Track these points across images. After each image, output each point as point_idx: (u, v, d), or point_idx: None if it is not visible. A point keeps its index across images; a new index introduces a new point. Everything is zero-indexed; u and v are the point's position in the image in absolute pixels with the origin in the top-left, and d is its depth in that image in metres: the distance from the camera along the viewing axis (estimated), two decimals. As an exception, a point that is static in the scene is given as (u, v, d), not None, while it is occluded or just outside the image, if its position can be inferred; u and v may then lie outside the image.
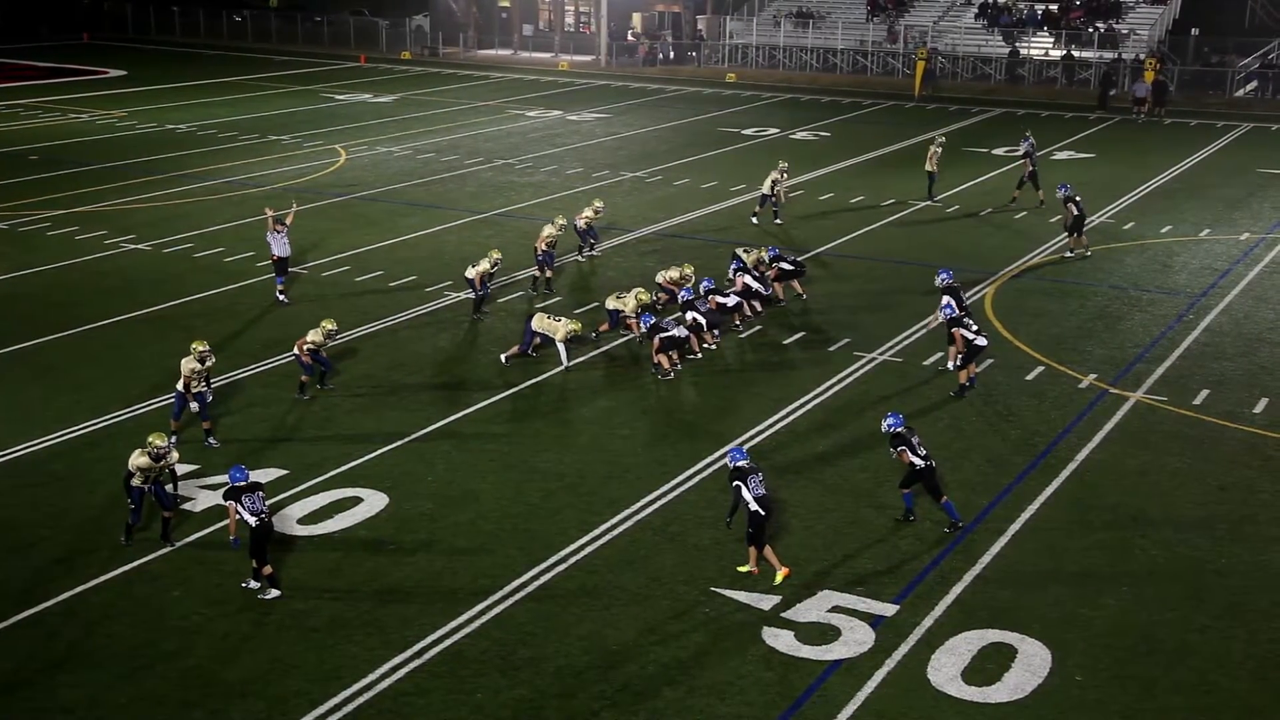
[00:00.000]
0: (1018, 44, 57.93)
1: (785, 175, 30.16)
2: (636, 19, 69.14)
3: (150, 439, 14.51)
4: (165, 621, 13.30)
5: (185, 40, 73.88)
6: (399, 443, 17.65)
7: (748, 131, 44.36)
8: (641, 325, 20.45)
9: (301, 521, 15.33)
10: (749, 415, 18.63)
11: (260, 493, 13.83)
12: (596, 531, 15.11)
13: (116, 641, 12.97)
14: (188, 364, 17.25)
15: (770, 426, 18.27)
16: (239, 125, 44.50)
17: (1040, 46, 58.04)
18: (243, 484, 13.80)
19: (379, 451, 17.36)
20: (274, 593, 13.74)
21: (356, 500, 15.89)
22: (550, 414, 18.94)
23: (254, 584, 13.83)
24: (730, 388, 19.87)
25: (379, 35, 70.25)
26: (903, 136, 43.09)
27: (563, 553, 14.62)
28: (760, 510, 13.91)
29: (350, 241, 28.18)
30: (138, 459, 14.55)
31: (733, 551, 14.64)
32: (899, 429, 15.21)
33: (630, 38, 66.98)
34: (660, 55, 64.39)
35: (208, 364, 17.44)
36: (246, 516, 13.63)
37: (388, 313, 23.37)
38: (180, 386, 17.32)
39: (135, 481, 14.62)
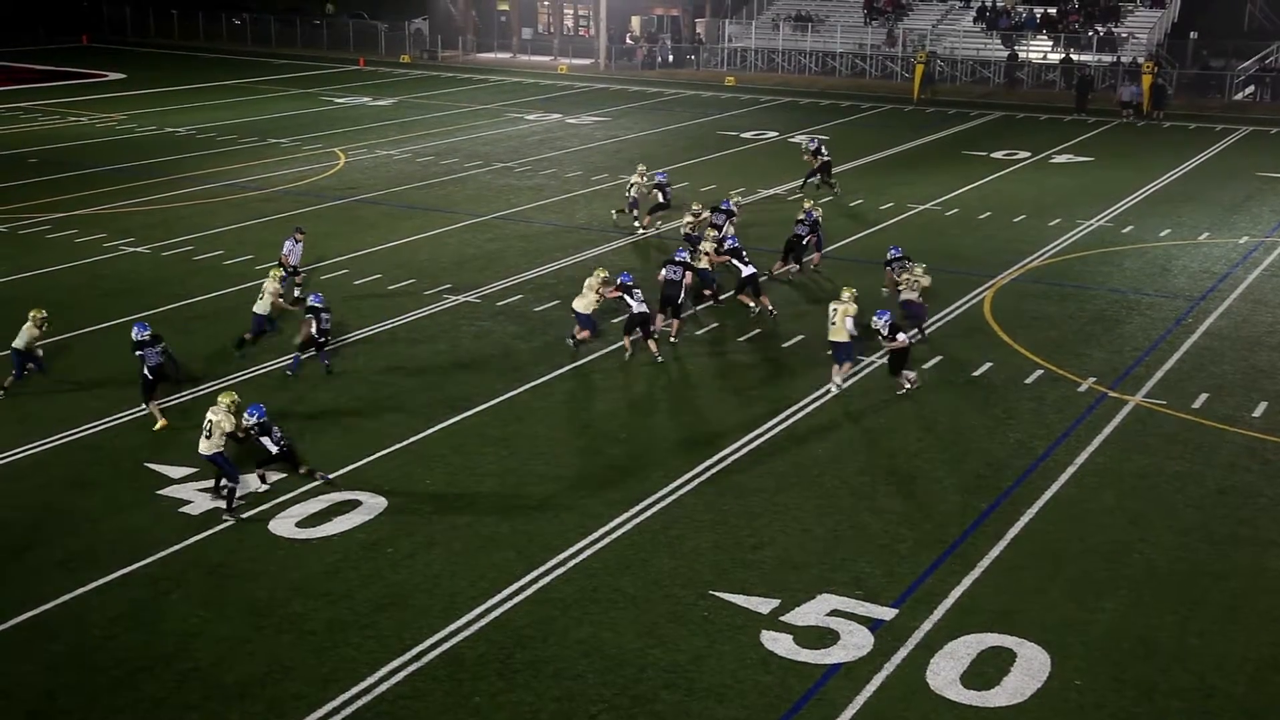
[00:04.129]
0: (1016, 47, 57.98)
1: (644, 178, 29.62)
2: (635, 22, 69.18)
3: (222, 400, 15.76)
4: (163, 625, 13.29)
5: (184, 43, 73.91)
6: (397, 446, 17.65)
7: (747, 135, 44.38)
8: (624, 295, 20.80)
9: (300, 525, 15.32)
10: (747, 419, 18.62)
11: (276, 429, 15.89)
12: (595, 535, 15.11)
13: (115, 645, 12.96)
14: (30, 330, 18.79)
15: (768, 430, 18.27)
16: (238, 128, 44.50)
17: (1039, 50, 58.09)
18: (265, 420, 15.79)
19: (377, 454, 17.35)
20: (323, 476, 16.02)
21: (355, 503, 15.88)
22: (548, 418, 18.92)
23: (319, 476, 15.99)
24: (727, 391, 19.86)
25: (378, 38, 70.27)
26: (901, 140, 43.12)
27: (561, 556, 14.62)
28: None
29: (349, 244, 28.18)
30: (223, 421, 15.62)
31: (732, 556, 14.64)
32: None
33: (629, 41, 67.01)
34: (659, 58, 64.41)
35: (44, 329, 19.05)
36: (272, 449, 15.73)
37: (386, 316, 23.36)
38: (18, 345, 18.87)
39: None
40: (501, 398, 19.53)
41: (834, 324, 19.66)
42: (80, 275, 26.03)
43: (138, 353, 18.21)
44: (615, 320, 22.52)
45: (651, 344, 20.94)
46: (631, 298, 20.83)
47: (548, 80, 60.16)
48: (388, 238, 28.94)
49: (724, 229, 25.26)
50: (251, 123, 45.94)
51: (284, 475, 16.37)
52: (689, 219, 26.86)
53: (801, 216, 25.86)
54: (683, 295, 21.89)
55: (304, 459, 16.42)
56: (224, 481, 15.79)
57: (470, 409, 19.06)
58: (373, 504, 15.88)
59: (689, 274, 22.04)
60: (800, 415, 18.87)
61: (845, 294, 19.98)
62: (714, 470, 16.91)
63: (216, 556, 14.63)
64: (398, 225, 30.09)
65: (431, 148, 41.00)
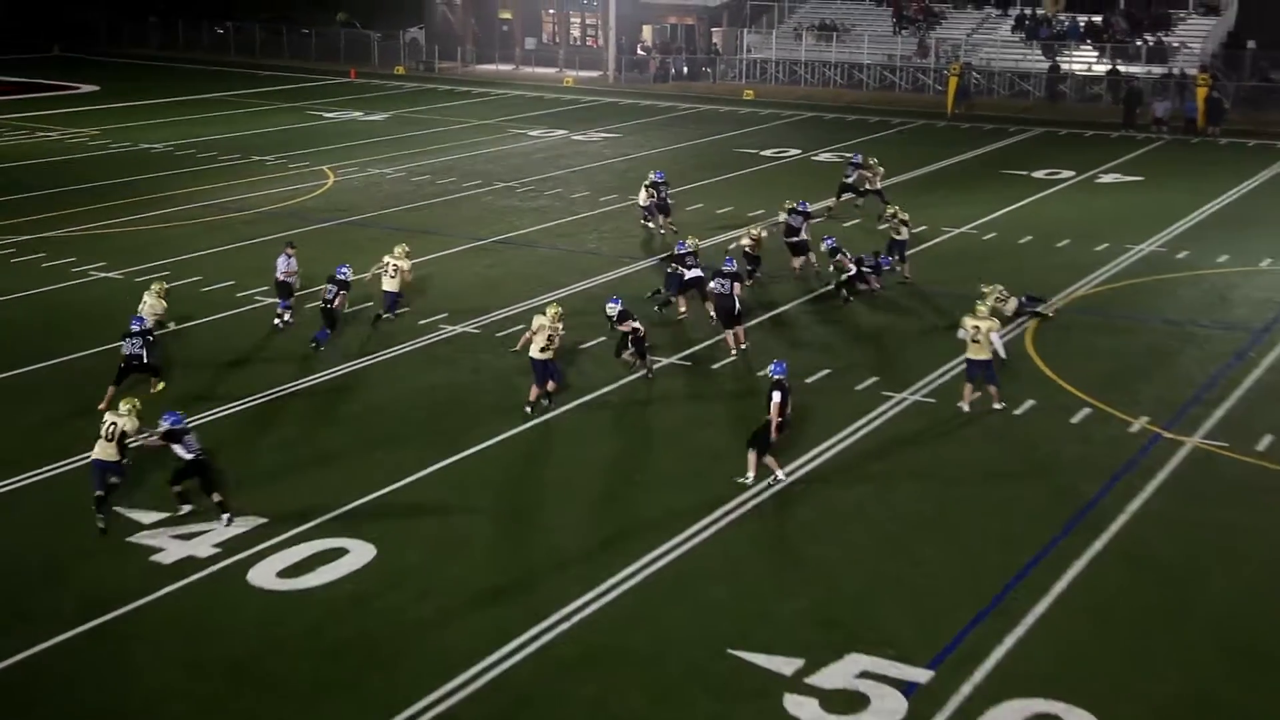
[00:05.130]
0: (1058, 58, 58.12)
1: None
2: (647, 32, 69.55)
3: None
4: (135, 684, 13.19)
5: (162, 53, 74.53)
6: (388, 489, 17.57)
7: (766, 153, 44.49)
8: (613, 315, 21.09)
9: (281, 575, 15.24)
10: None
11: (191, 437, 16.32)
12: (602, 587, 15.00)
13: (77, 706, 12.85)
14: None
15: (793, 473, 18.15)
16: (219, 145, 44.75)
17: (1083, 61, 58.24)
18: (179, 428, 16.16)
19: (366, 498, 17.27)
20: (225, 518, 16.21)
21: (341, 551, 15.80)
22: (553, 458, 18.84)
23: (225, 517, 16.26)
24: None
25: (371, 49, 70.78)
26: (935, 158, 43.17)
27: (565, 610, 14.50)
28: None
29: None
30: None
31: (751, 610, 14.51)
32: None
33: (640, 52, 67.37)
34: (672, 71, 64.72)
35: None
36: (184, 454, 16.14)
37: (378, 347, 23.35)
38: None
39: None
40: (502, 436, 19.46)
41: (976, 341, 20.01)
42: (48, 302, 26.11)
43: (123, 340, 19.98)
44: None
45: (637, 358, 21.26)
46: (626, 321, 21.20)
47: (552, 94, 60.46)
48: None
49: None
50: (234, 139, 46.20)
51: (191, 506, 16.59)
52: (747, 241, 27.17)
53: (787, 214, 27.13)
54: (738, 306, 23.02)
55: (220, 486, 16.55)
56: (114, 479, 16.44)
57: (468, 448, 18.98)
58: (360, 552, 15.78)
59: (738, 284, 23.18)
60: (826, 457, 18.77)
61: (982, 307, 20.55)
62: (732, 516, 16.80)
63: (190, 609, 14.55)
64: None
65: (427, 166, 41.16)
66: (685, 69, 65.21)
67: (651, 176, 32.34)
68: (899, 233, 27.61)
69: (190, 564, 15.46)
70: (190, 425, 16.74)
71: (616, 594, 14.88)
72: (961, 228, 32.87)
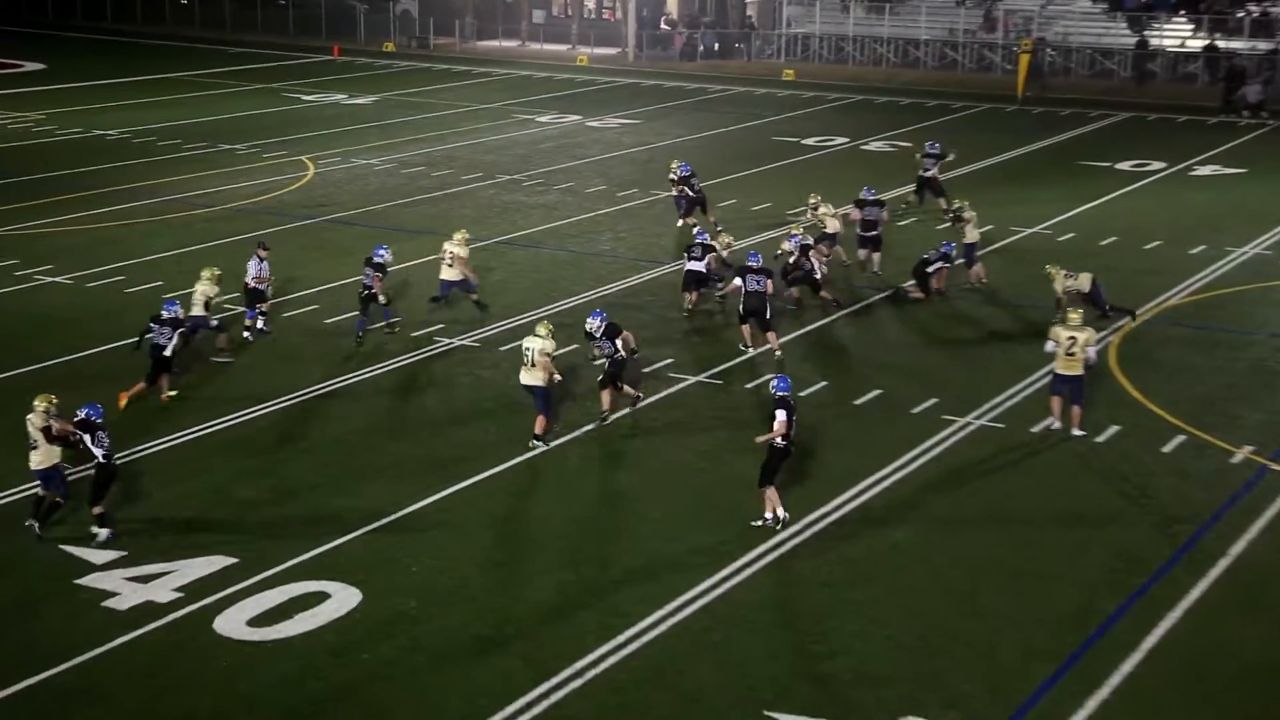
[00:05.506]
0: (1147, 33, 58.07)
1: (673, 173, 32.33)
2: (672, 3, 69.80)
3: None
4: (81, 747, 13.24)
5: (118, 27, 75.18)
6: (376, 524, 17.61)
7: (809, 141, 44.54)
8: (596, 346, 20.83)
9: (253, 623, 15.28)
10: (812, 493, 18.52)
11: (105, 434, 17.02)
12: (620, 638, 14.99)
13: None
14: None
15: (839, 507, 18.14)
16: (183, 131, 45.07)
17: (1176, 36, 58.16)
18: (97, 421, 16.97)
19: (351, 535, 17.32)
20: (104, 533, 16.89)
21: (322, 596, 15.84)
22: (563, 490, 18.88)
23: (96, 530, 16.90)
24: (788, 458, 19.77)
25: (356, 22, 71.23)
26: (1002, 147, 43.15)
27: (578, 665, 14.49)
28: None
29: (319, 274, 28.36)
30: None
31: (791, 665, 14.49)
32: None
33: (664, 26, 67.62)
34: (700, 47, 64.94)
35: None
36: (95, 451, 16.86)
37: (366, 363, 23.44)
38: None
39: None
40: (505, 464, 19.50)
41: (1071, 354, 20.11)
42: (-13, 310, 26.33)
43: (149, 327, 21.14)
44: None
45: (623, 391, 20.98)
46: (604, 345, 20.76)
47: (564, 74, 60.71)
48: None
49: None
50: (200, 124, 46.52)
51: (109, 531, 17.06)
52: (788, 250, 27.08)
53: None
54: (770, 310, 23.63)
55: (105, 499, 17.13)
56: (52, 497, 17.20)
57: (467, 478, 19.02)
58: (344, 597, 15.81)
59: (770, 282, 23.76)
60: (876, 490, 18.74)
61: (1074, 316, 20.60)
62: (770, 557, 16.79)
63: (148, 662, 14.58)
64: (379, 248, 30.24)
65: (421, 156, 41.36)
66: (716, 45, 65.40)
67: (677, 170, 32.46)
68: (967, 233, 27.76)
69: (148, 610, 15.50)
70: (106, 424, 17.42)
71: (635, 646, 14.88)
72: (1034, 227, 32.83)
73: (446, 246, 25.56)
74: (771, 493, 17.50)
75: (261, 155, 41.08)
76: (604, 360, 20.97)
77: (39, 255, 29.71)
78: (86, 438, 17.06)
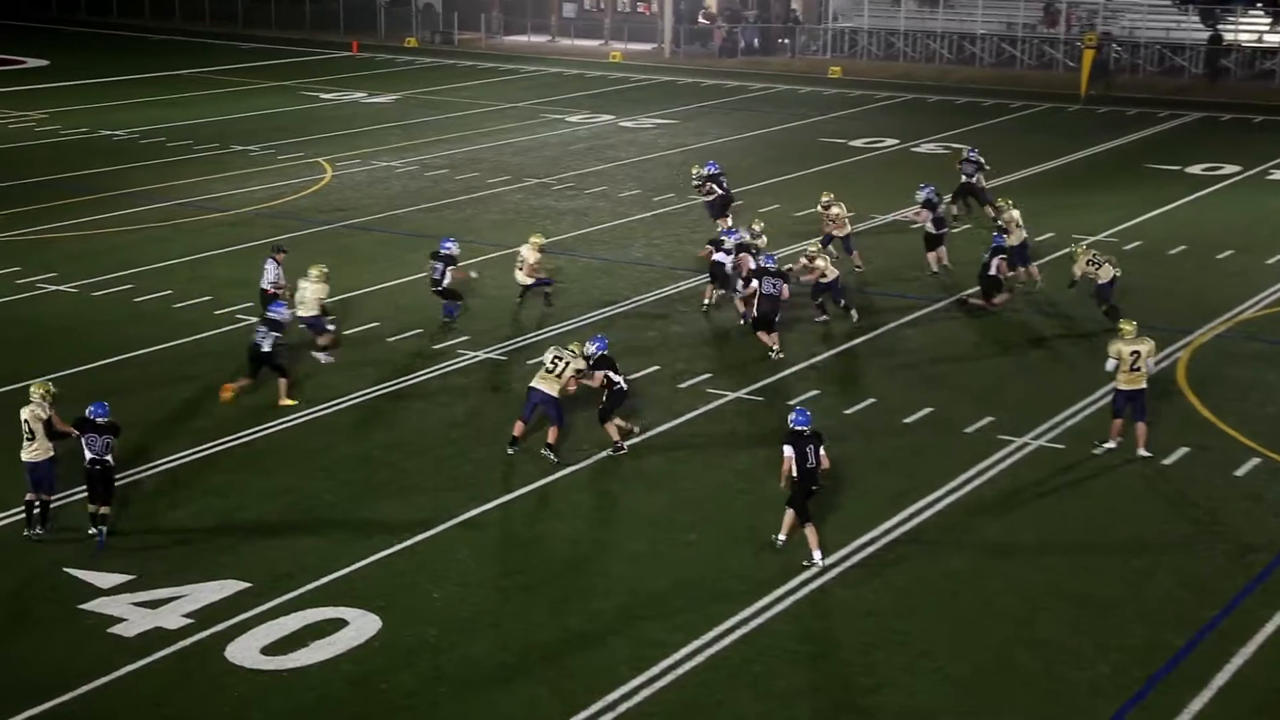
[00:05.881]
0: (1221, 27, 57.83)
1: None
2: (711, -4, 69.95)
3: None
4: (86, 779, 13.38)
5: (125, 21, 75.76)
6: (396, 547, 17.74)
7: (857, 143, 44.55)
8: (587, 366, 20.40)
9: (267, 651, 15.40)
10: (857, 516, 18.55)
11: (108, 438, 17.57)
12: (654, 669, 15.05)
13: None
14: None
15: (887, 532, 18.17)
16: (194, 131, 45.41)
17: (1252, 30, 57.88)
18: (99, 420, 17.58)
19: (370, 558, 17.45)
20: (93, 531, 17.61)
21: (340, 623, 15.96)
22: (593, 512, 18.97)
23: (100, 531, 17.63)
24: (832, 476, 19.79)
25: (376, 17, 71.62)
26: (1064, 150, 43.05)
27: (610, 697, 14.57)
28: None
29: (337, 283, 28.42)
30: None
31: (836, 700, 14.53)
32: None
33: (702, 20, 67.74)
34: (741, 43, 65.02)
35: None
36: (86, 452, 17.49)
37: (386, 375, 23.59)
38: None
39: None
40: (533, 485, 19.61)
41: (1136, 369, 20.22)
42: (-12, 320, 26.62)
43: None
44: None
45: (612, 429, 20.63)
46: (614, 373, 20.61)
47: (596, 71, 60.88)
48: (387, 275, 29.30)
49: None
50: (212, 124, 46.87)
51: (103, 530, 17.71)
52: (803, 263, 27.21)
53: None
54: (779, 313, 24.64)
55: (103, 499, 17.69)
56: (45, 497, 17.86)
57: (493, 499, 19.14)
58: (363, 624, 15.93)
59: (786, 287, 24.76)
60: (927, 514, 18.76)
61: (1128, 328, 20.61)
62: (814, 585, 16.83)
63: (156, 691, 14.72)
64: (400, 258, 30.45)
65: (444, 158, 41.57)
66: (757, 41, 65.48)
67: (704, 169, 32.66)
68: (1011, 236, 28.00)
69: (157, 637, 15.65)
70: (115, 424, 17.88)
71: (671, 678, 14.93)
72: (1098, 235, 32.76)
73: (524, 251, 26.65)
74: (810, 531, 17.45)
75: (276, 157, 41.37)
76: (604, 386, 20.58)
77: (42, 262, 30.00)
78: (86, 441, 17.60)
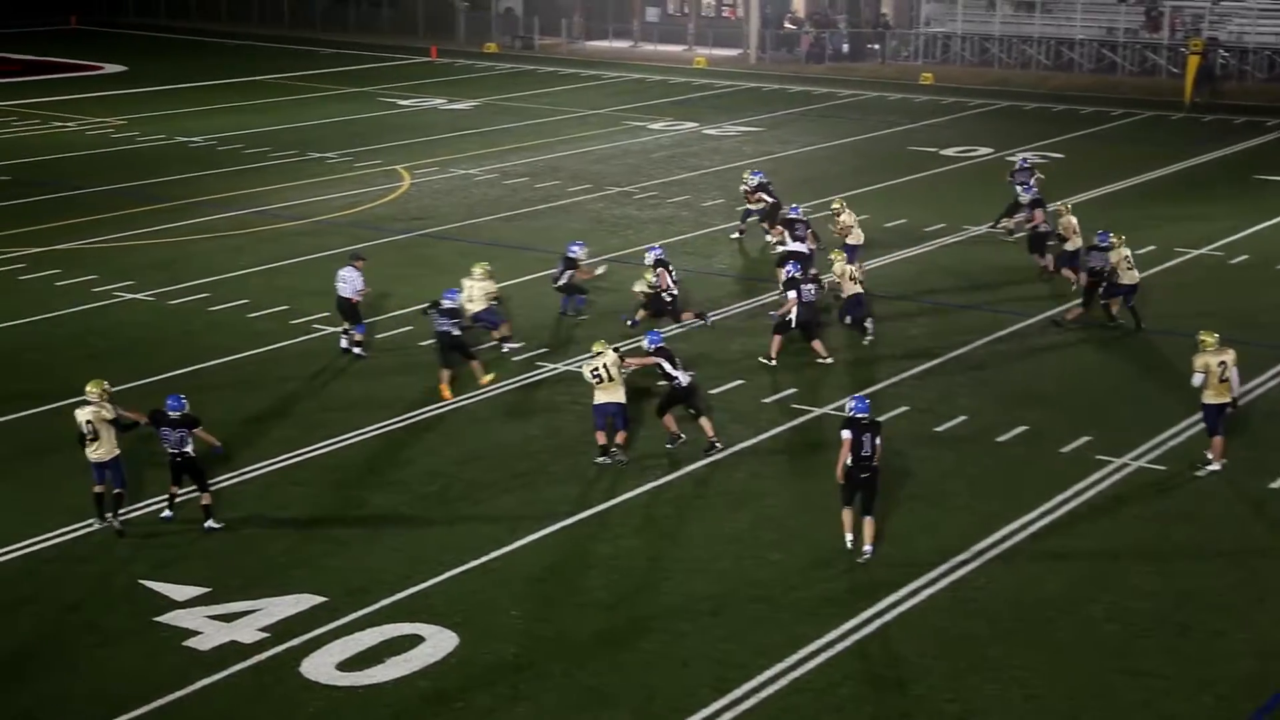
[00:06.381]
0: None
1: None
2: (798, 1, 69.84)
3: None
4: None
5: (203, 25, 76.78)
6: (473, 562, 17.87)
7: (949, 151, 44.31)
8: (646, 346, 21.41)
9: (342, 667, 15.55)
10: (949, 537, 18.46)
11: (183, 431, 18.21)
12: (737, 693, 15.04)
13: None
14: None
15: (979, 554, 18.06)
16: (271, 138, 45.96)
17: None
18: (172, 415, 18.24)
19: (447, 574, 17.58)
20: (209, 524, 18.50)
21: (415, 639, 16.09)
22: (675, 531, 18.99)
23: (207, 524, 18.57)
24: (922, 497, 19.73)
25: (456, 21, 72.12)
26: (1167, 159, 42.60)
27: (692, 720, 14.62)
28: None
29: (414, 292, 28.71)
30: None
31: (927, 727, 14.48)
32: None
33: (789, 25, 67.68)
34: (829, 49, 64.90)
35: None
36: (167, 446, 18.29)
37: (463, 388, 23.75)
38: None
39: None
40: (614, 500, 19.68)
41: (1225, 380, 20.17)
42: (61, 329, 27.06)
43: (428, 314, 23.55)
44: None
45: (705, 423, 21.11)
46: (671, 365, 21.08)
47: (680, 77, 60.98)
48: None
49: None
50: (289, 131, 47.42)
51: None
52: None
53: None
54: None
55: (198, 488, 18.60)
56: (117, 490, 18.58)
57: (571, 514, 19.24)
58: (439, 641, 16.05)
59: (819, 291, 25.56)
60: (1021, 536, 18.63)
61: (1209, 340, 20.51)
62: (903, 607, 16.77)
63: (230, 706, 14.91)
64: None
65: (524, 166, 41.80)
66: (846, 46, 65.32)
67: (753, 178, 32.81)
68: (1067, 239, 28.46)
69: (232, 651, 15.86)
70: (190, 416, 18.58)
71: (754, 701, 14.91)
72: (1201, 249, 32.40)
73: (646, 276, 26.35)
74: (868, 523, 17.86)
75: (354, 164, 41.78)
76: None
77: (119, 270, 30.49)
78: (163, 433, 18.41)
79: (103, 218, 35.04)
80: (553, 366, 24.80)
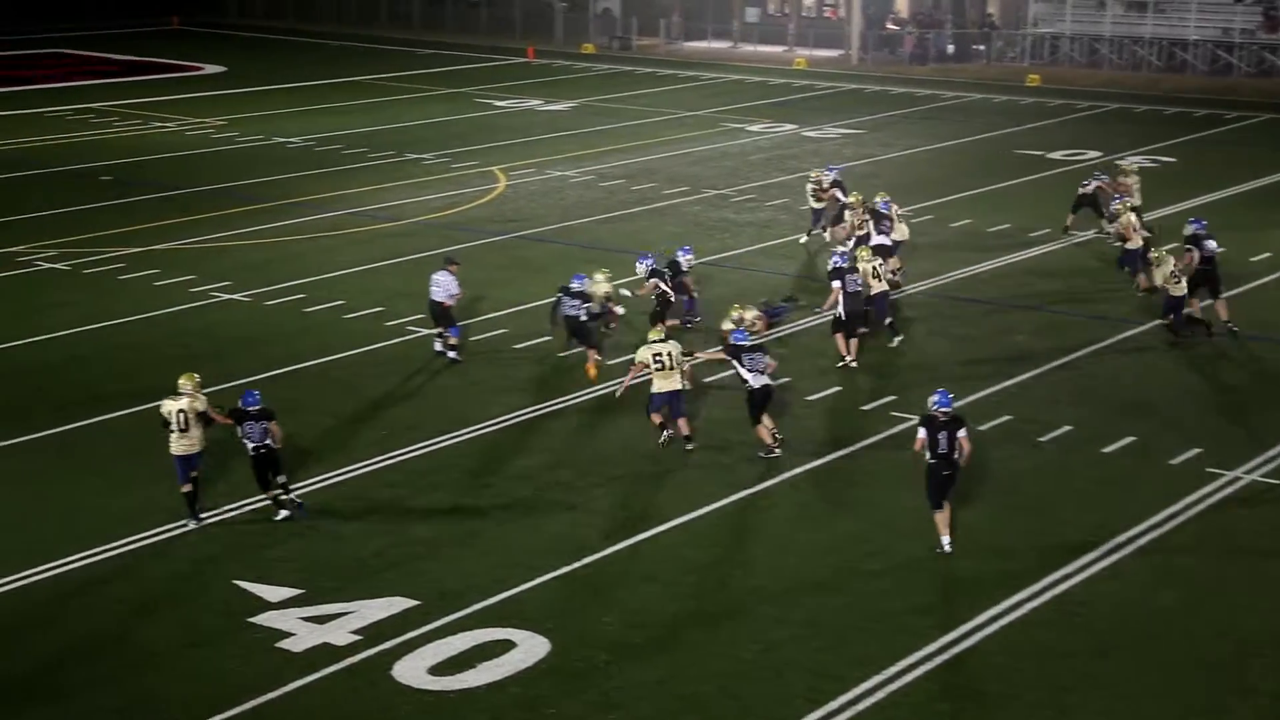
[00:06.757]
0: None
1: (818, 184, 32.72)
2: (901, 1, 69.49)
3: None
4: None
5: (301, 26, 77.78)
6: (565, 569, 17.92)
7: (1056, 155, 43.88)
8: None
9: (434, 671, 15.66)
10: (1054, 551, 18.26)
11: (265, 424, 18.69)
12: (832, 705, 14.98)
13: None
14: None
15: (1084, 568, 17.86)
16: (368, 139, 46.45)
17: None
18: (250, 410, 18.70)
19: (539, 579, 17.65)
20: (283, 513, 19.03)
21: (507, 644, 16.17)
22: (772, 538, 18.94)
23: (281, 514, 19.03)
24: (1026, 508, 19.54)
25: (553, 21, 72.50)
26: (1283, 164, 41.97)
27: (788, 732, 14.56)
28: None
29: (510, 295, 28.93)
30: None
31: (1028, 743, 14.33)
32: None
33: (892, 25, 67.37)
34: (933, 49, 64.50)
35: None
36: (248, 444, 18.73)
37: (557, 391, 23.84)
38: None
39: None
40: (709, 507, 19.67)
41: None
42: (158, 329, 27.50)
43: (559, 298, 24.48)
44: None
45: (763, 432, 21.12)
46: (742, 365, 21.08)
47: (780, 78, 60.89)
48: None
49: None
50: (386, 132, 47.90)
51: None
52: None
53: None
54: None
55: (275, 482, 19.11)
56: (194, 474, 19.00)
57: (665, 521, 19.24)
58: (531, 646, 16.11)
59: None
60: (1126, 550, 18.40)
61: None
62: (1005, 620, 16.61)
63: (324, 707, 15.06)
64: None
65: (621, 168, 41.92)
66: (950, 47, 64.92)
67: (826, 175, 32.65)
68: (1128, 239, 28.53)
69: (324, 653, 16.02)
70: (268, 410, 19.03)
71: (849, 714, 14.82)
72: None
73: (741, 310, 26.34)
74: (941, 516, 18.13)
75: (450, 166, 42.11)
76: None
77: (217, 271, 30.93)
78: (243, 429, 18.88)
79: (201, 218, 35.58)
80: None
